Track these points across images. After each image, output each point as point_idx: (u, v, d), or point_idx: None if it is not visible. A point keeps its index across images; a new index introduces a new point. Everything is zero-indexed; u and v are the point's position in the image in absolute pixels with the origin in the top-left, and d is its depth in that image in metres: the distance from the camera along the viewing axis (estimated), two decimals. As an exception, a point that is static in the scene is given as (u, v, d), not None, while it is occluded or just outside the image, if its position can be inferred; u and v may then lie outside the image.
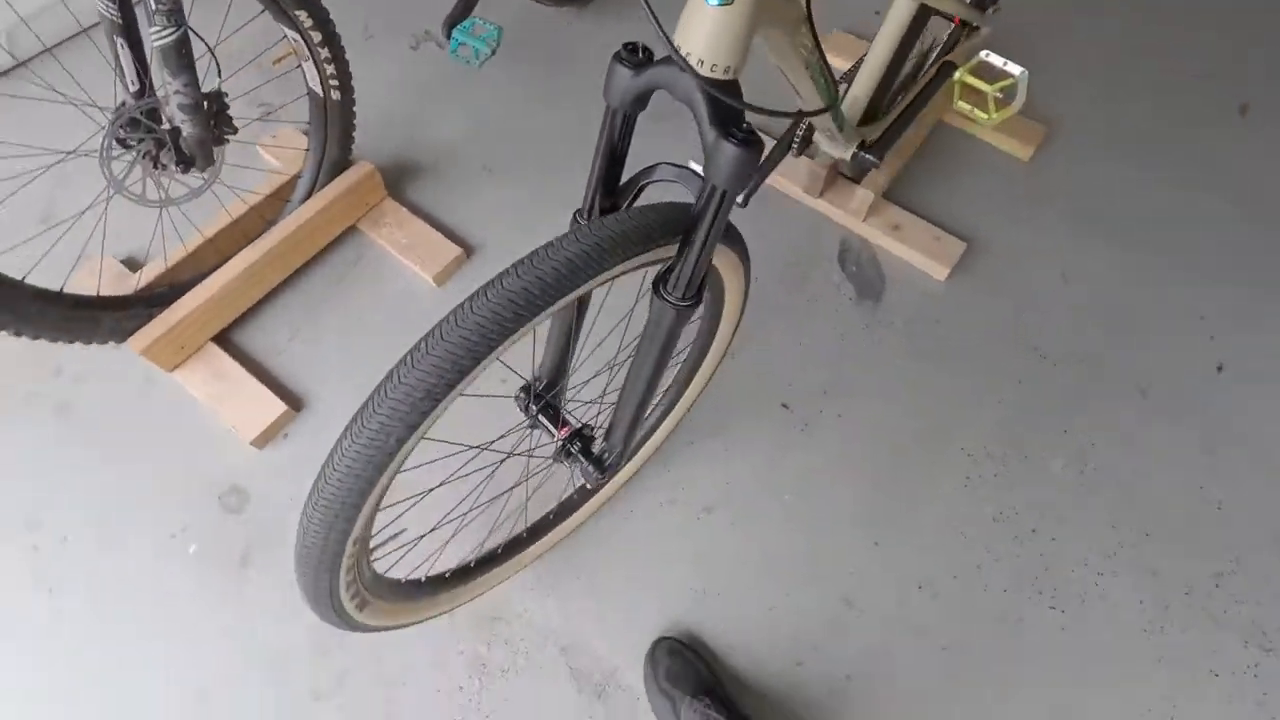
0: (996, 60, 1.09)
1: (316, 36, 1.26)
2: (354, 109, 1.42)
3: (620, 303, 0.99)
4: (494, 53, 1.77)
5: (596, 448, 0.99)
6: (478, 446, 1.04)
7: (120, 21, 1.06)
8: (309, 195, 1.44)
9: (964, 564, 1.24)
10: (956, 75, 1.15)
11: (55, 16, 1.66)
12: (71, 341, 1.21)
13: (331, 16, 1.27)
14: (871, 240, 1.55)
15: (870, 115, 1.25)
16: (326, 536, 0.70)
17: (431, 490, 1.02)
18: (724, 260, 0.91)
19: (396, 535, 0.99)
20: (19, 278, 1.12)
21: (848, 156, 1.26)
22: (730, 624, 1.18)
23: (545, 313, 0.67)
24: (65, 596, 1.18)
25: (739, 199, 1.20)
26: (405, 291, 1.48)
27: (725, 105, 0.63)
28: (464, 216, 1.57)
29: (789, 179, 1.56)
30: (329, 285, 1.48)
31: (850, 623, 1.18)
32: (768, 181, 1.61)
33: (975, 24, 1.35)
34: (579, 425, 0.98)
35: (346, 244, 1.52)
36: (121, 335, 1.25)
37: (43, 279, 1.17)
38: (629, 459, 1.02)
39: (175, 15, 1.02)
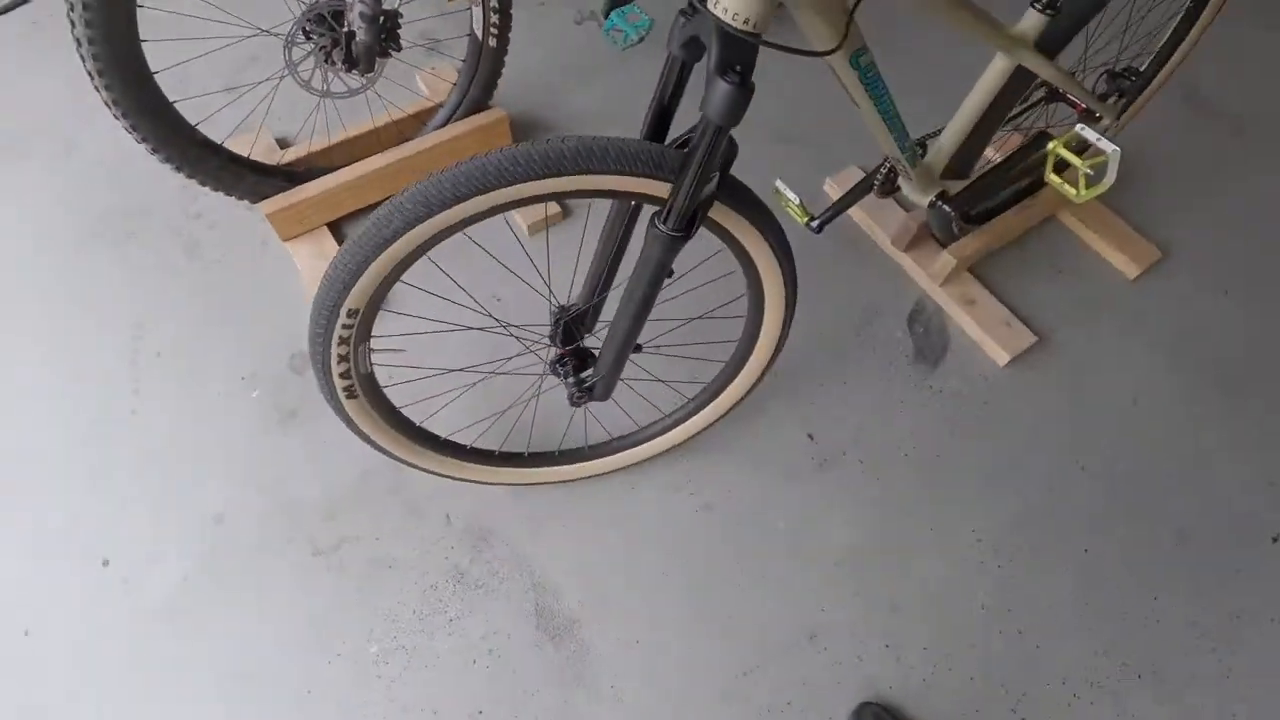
0: (1091, 135, 1.09)
1: (495, -14, 1.40)
2: (504, 59, 1.55)
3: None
4: (641, 40, 1.89)
5: (588, 374, 1.11)
6: (496, 319, 1.19)
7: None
8: (444, 125, 1.59)
9: (938, 640, 1.23)
10: (1050, 146, 1.15)
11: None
12: (216, 189, 1.39)
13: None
14: (945, 308, 1.55)
15: (957, 170, 1.27)
16: (330, 290, 0.85)
17: (436, 328, 1.18)
18: (762, 258, 0.97)
19: (396, 351, 1.12)
20: (193, 124, 1.31)
21: (924, 203, 1.29)
22: (689, 624, 1.22)
23: (543, 182, 0.78)
24: (143, 399, 1.36)
25: (813, 224, 1.25)
26: (500, 230, 1.59)
27: (732, 50, 0.71)
28: (571, 181, 1.68)
29: (879, 225, 1.59)
30: (436, 208, 1.62)
31: (808, 657, 1.20)
32: (858, 224, 1.64)
33: (1098, 114, 1.34)
34: (581, 348, 1.10)
35: (463, 176, 1.66)
36: (257, 196, 1.43)
37: (209, 131, 1.35)
38: (610, 390, 1.11)
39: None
